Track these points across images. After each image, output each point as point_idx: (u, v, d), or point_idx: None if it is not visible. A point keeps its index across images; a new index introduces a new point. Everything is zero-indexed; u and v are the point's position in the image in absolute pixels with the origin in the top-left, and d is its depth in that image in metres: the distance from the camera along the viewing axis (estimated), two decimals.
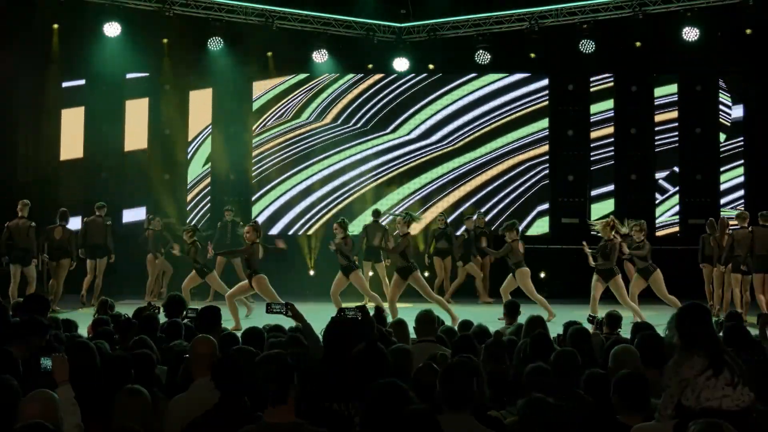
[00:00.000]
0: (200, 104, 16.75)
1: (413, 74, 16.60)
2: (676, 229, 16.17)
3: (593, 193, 16.38)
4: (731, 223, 12.91)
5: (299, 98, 16.89)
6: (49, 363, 4.30)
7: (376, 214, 14.47)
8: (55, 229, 12.83)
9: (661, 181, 16.38)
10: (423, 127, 16.74)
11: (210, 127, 16.72)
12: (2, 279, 12.71)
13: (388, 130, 16.80)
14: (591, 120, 16.41)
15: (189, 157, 16.70)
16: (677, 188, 16.31)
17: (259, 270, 11.12)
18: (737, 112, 16.18)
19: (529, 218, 16.32)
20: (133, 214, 16.30)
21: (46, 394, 3.82)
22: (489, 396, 4.28)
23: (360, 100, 16.82)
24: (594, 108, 16.40)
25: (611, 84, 16.46)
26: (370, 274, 14.03)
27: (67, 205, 13.78)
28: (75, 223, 14.13)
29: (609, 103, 16.44)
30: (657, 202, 16.33)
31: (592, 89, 16.45)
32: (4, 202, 13.55)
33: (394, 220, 13.69)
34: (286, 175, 16.79)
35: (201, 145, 16.74)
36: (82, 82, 16.41)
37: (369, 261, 14.07)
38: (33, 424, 3.28)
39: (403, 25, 15.94)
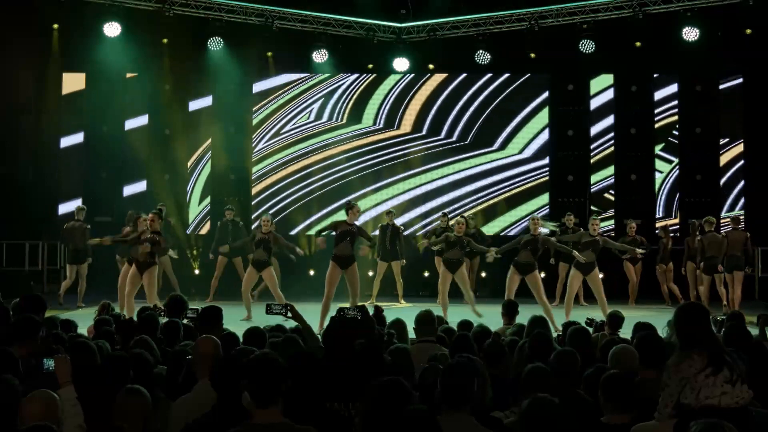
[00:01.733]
0: (200, 104, 16.73)
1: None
2: (678, 230, 16.17)
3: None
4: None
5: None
6: (52, 363, 4.29)
7: (389, 214, 14.35)
8: (123, 230, 13.50)
9: (660, 180, 16.38)
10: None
11: (210, 127, 16.71)
12: (4, 280, 12.87)
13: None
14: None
15: (189, 158, 16.72)
16: (677, 188, 16.32)
17: (157, 262, 11.30)
18: (737, 111, 16.18)
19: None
20: None
21: (47, 394, 3.81)
22: (491, 397, 4.29)
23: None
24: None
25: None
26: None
27: None
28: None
29: None
30: (657, 201, 16.32)
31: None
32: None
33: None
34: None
35: (201, 146, 16.74)
36: (82, 83, 16.42)
37: (386, 261, 13.92)
38: (37, 427, 3.27)
39: (403, 25, 15.92)
